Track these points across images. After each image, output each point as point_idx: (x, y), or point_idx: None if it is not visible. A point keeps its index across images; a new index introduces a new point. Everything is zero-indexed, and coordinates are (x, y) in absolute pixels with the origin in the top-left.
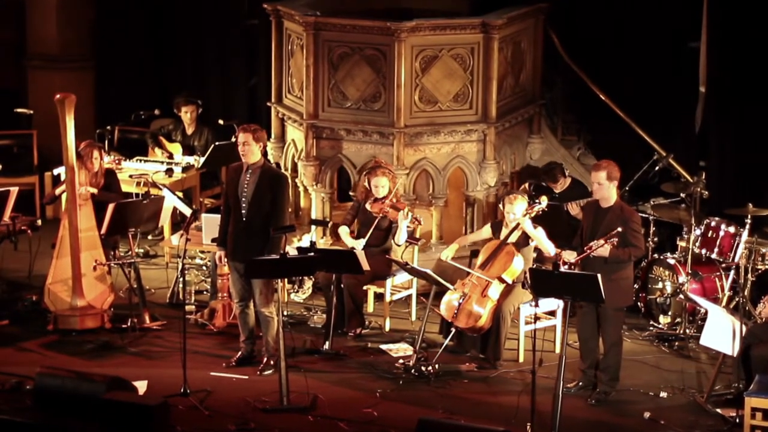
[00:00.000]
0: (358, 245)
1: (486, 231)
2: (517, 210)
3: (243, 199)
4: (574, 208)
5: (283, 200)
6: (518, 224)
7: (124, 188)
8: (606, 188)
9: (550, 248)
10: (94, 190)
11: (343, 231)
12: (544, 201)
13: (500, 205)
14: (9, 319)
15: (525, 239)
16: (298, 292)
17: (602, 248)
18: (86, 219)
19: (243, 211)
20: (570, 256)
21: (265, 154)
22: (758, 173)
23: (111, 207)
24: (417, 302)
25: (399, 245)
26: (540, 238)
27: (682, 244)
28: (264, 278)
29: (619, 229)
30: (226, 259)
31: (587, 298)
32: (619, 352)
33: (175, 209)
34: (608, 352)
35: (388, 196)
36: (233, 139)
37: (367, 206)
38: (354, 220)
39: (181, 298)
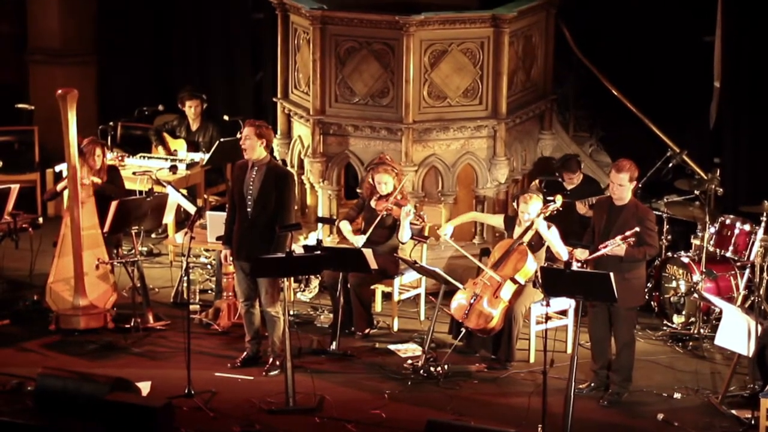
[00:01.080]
0: (358, 242)
1: (497, 220)
2: (532, 210)
3: (248, 197)
4: (581, 208)
5: (289, 199)
6: (532, 223)
7: (128, 185)
8: (626, 189)
9: (563, 253)
10: (98, 180)
11: (344, 227)
12: (558, 200)
13: (514, 204)
14: (10, 319)
15: (539, 241)
16: (304, 291)
17: (618, 247)
18: (88, 217)
19: (248, 209)
20: (583, 254)
21: (271, 151)
22: None
23: (114, 205)
24: (426, 302)
25: (403, 243)
26: (553, 241)
27: (696, 242)
28: (270, 277)
29: (637, 229)
30: (231, 258)
31: (599, 298)
32: (631, 352)
33: (179, 207)
34: (621, 352)
35: (392, 193)
36: (239, 135)
37: (372, 203)
38: (357, 217)
39: (186, 298)
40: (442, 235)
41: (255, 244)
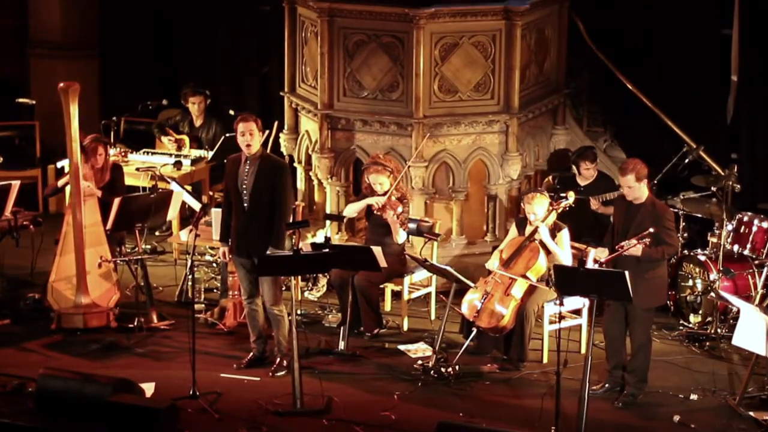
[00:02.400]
0: (379, 199)
1: (512, 232)
2: (537, 209)
3: (243, 191)
4: (594, 204)
5: (286, 190)
6: (536, 229)
7: (131, 181)
8: (637, 189)
9: (567, 262)
10: (98, 193)
11: (351, 207)
12: (571, 196)
13: (522, 204)
14: (10, 319)
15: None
16: (312, 290)
17: (634, 248)
18: (91, 214)
19: (245, 204)
20: (602, 254)
21: (265, 144)
22: None
23: (117, 201)
24: (436, 301)
25: (399, 244)
26: (556, 251)
27: (713, 239)
28: (276, 276)
29: (652, 230)
30: (230, 255)
31: (614, 297)
32: (648, 353)
33: (183, 204)
34: (636, 353)
35: (388, 191)
36: None
37: None
38: None
39: (190, 297)
40: (493, 268)
41: (254, 239)
